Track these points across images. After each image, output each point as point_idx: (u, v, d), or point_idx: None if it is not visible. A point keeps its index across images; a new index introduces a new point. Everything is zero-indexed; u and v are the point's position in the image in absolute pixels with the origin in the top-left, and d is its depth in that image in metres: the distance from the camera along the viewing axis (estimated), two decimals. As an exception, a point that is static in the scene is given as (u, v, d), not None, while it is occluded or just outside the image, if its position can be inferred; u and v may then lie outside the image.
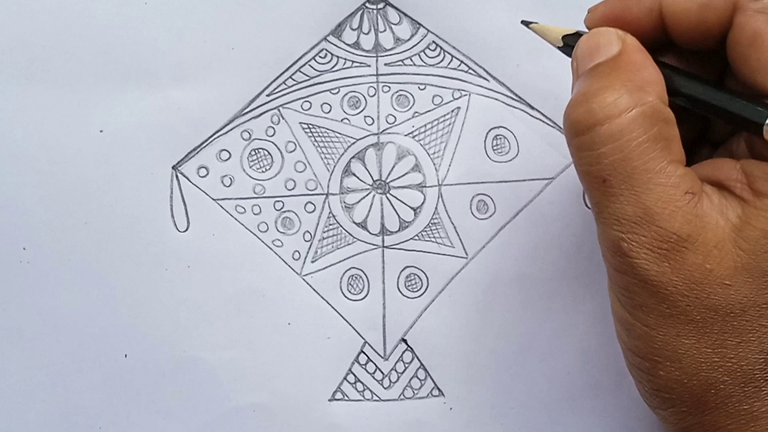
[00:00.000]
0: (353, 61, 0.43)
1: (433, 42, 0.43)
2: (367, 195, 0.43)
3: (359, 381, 0.43)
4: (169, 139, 0.42)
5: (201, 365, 0.42)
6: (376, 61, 0.43)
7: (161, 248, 0.42)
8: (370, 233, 0.43)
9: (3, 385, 0.42)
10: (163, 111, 0.42)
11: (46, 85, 0.42)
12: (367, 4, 0.43)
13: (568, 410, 0.42)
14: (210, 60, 0.42)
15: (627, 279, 0.31)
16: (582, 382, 0.42)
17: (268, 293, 0.42)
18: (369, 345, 0.43)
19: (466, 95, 0.43)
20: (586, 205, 0.43)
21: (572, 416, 0.42)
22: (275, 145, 0.43)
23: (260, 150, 0.43)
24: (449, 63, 0.43)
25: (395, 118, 0.43)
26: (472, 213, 0.43)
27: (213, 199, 0.43)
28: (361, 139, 0.43)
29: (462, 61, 0.43)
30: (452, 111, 0.43)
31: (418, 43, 0.43)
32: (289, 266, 0.43)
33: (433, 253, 0.43)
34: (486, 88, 0.43)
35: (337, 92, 0.43)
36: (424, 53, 0.43)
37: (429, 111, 0.43)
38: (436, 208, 0.43)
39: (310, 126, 0.43)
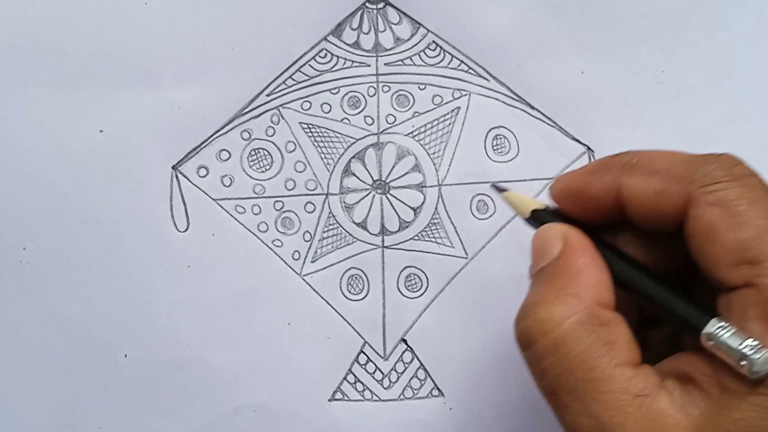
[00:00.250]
0: (353, 61, 0.43)
1: (433, 42, 0.43)
2: (367, 195, 0.43)
3: (359, 381, 0.43)
4: (169, 139, 0.42)
5: (201, 365, 0.42)
6: (376, 60, 0.43)
7: (161, 248, 0.42)
8: (370, 233, 0.43)
9: (3, 385, 0.42)
10: (163, 111, 0.42)
11: (46, 85, 0.42)
12: (367, 4, 0.43)
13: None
14: (210, 60, 0.42)
15: None
16: (582, 382, 0.42)
17: (268, 293, 0.42)
18: (369, 345, 0.43)
19: (466, 95, 0.43)
20: (586, 205, 0.43)
21: (572, 416, 0.42)
22: (275, 145, 0.43)
23: (260, 150, 0.43)
24: (449, 63, 0.43)
25: (395, 118, 0.43)
26: (472, 213, 0.43)
27: (213, 199, 0.43)
28: (361, 139, 0.43)
29: (462, 61, 0.43)
30: (452, 111, 0.43)
31: (418, 42, 0.43)
32: (289, 266, 0.43)
33: (433, 253, 0.43)
34: (486, 88, 0.43)
35: (337, 92, 0.43)
36: (424, 53, 0.43)
37: (429, 111, 0.43)
38: (436, 208, 0.43)
39: (310, 126, 0.43)
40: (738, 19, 0.43)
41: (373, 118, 0.43)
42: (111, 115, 0.42)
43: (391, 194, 0.43)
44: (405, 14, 0.43)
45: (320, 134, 0.43)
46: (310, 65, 0.43)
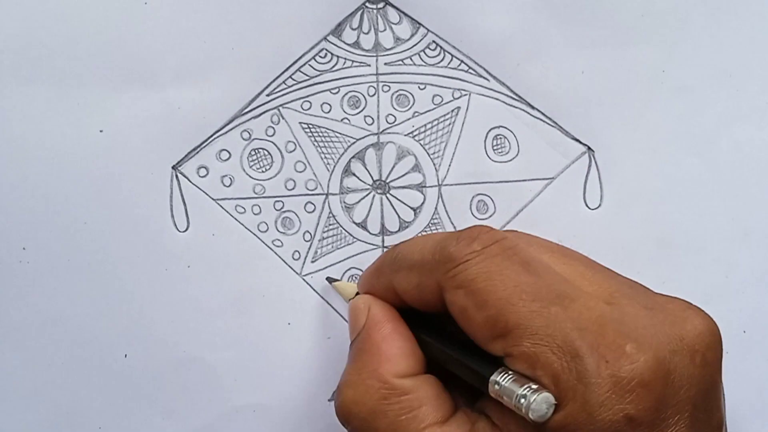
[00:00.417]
0: (353, 61, 0.43)
1: (433, 42, 0.43)
2: (367, 195, 0.43)
3: (359, 381, 0.42)
4: (169, 139, 0.42)
5: (201, 365, 0.42)
6: (376, 60, 0.43)
7: (161, 248, 0.42)
8: (370, 233, 0.43)
9: (3, 385, 0.42)
10: (163, 111, 0.42)
11: (46, 85, 0.42)
12: (367, 4, 0.43)
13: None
14: (210, 60, 0.42)
15: None
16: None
17: (268, 293, 0.42)
18: (369, 345, 0.43)
19: (466, 95, 0.43)
20: (587, 205, 0.43)
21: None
22: (275, 144, 0.43)
23: (260, 150, 0.43)
24: (449, 63, 0.43)
25: (395, 117, 0.43)
26: (472, 213, 0.43)
27: (213, 199, 0.43)
28: (361, 138, 0.43)
29: (462, 61, 0.43)
30: (452, 111, 0.43)
31: (418, 42, 0.43)
32: (289, 266, 0.43)
33: (433, 253, 0.43)
34: (486, 88, 0.43)
35: (337, 92, 0.43)
36: (424, 53, 0.43)
37: (429, 111, 0.43)
38: (436, 208, 0.43)
39: (310, 126, 0.43)
40: (739, 19, 0.43)
41: (373, 118, 0.43)
42: (111, 115, 0.42)
43: (391, 194, 0.43)
44: (405, 14, 0.43)
45: (320, 134, 0.43)
46: (310, 65, 0.43)
